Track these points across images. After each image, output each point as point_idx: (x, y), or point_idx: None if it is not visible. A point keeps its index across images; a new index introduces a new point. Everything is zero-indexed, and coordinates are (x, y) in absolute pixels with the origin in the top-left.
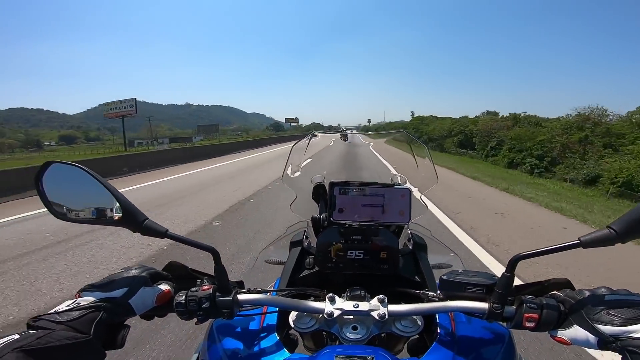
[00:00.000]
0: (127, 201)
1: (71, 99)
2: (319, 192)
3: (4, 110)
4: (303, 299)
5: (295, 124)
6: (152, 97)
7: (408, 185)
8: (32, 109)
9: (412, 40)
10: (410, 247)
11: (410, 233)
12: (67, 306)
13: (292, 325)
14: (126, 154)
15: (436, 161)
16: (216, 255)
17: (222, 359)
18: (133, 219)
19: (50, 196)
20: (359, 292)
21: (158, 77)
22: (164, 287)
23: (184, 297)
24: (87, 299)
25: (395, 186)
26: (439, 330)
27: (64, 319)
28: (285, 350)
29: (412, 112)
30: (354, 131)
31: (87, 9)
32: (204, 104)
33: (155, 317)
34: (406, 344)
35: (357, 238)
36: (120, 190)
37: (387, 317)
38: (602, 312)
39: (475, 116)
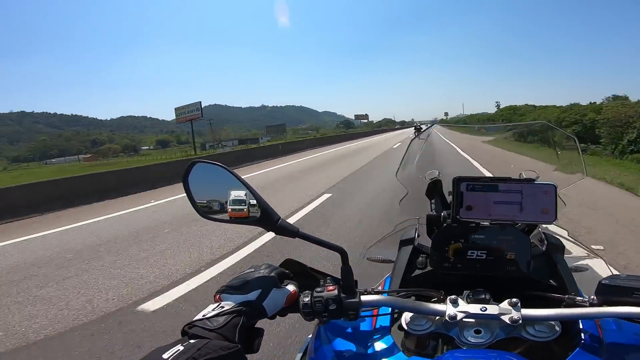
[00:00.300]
0: (264, 200)
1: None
2: (434, 189)
3: (116, 118)
4: (418, 299)
5: (365, 121)
6: (232, 101)
7: (548, 179)
8: (138, 116)
9: (490, 24)
10: (543, 247)
11: (543, 233)
12: (213, 310)
13: (405, 327)
14: (185, 159)
15: (552, 162)
16: (344, 256)
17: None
18: (269, 219)
19: (195, 195)
20: (483, 296)
21: (237, 81)
22: (291, 288)
23: (309, 298)
24: (229, 303)
25: (537, 182)
26: (582, 336)
27: (215, 326)
28: (402, 353)
29: (497, 102)
30: (434, 125)
31: (173, 22)
32: (278, 105)
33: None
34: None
35: (480, 237)
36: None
37: (520, 321)
38: None
39: (591, 102)
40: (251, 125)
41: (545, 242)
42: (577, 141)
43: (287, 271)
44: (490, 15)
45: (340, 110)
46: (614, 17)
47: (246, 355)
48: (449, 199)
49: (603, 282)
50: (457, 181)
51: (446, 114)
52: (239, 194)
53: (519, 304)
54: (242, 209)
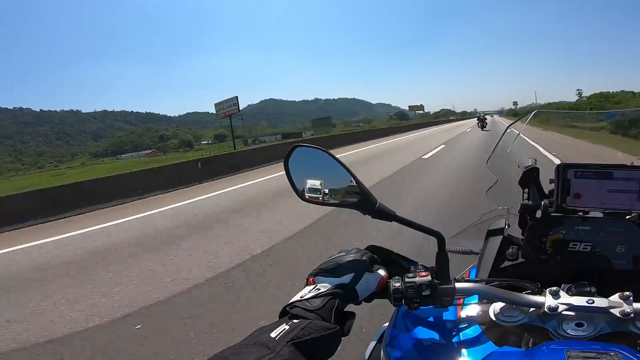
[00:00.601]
0: (363, 184)
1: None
2: (530, 177)
3: (183, 114)
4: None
5: (421, 112)
6: (286, 95)
7: None
8: (202, 112)
9: (560, 4)
10: None
11: None
12: (310, 292)
13: (494, 318)
14: (214, 155)
15: None
16: (441, 240)
17: (414, 348)
18: (367, 202)
19: (295, 178)
20: (587, 289)
21: (292, 76)
22: (382, 272)
23: (400, 283)
24: (325, 285)
25: None
26: None
27: (314, 307)
28: (492, 343)
29: (578, 90)
30: (494, 115)
31: (235, 23)
32: (331, 98)
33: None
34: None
35: (585, 229)
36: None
37: (632, 315)
38: None
39: None
40: (304, 118)
41: None
42: None
43: (375, 256)
44: None
45: (394, 101)
46: None
47: (342, 337)
48: (547, 188)
49: None
50: (564, 167)
51: (515, 103)
52: (314, 182)
53: (632, 298)
54: (318, 197)
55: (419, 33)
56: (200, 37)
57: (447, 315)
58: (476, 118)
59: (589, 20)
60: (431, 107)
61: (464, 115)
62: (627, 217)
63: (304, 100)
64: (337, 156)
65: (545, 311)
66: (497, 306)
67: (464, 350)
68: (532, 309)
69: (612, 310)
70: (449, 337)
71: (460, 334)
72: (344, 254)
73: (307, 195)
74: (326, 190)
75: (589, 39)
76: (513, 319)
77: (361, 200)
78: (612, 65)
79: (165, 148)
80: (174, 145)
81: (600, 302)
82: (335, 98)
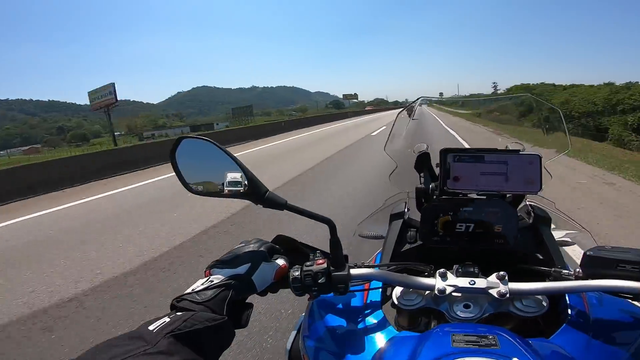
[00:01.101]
0: (252, 174)
1: (154, 88)
2: (423, 162)
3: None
4: (408, 274)
5: (355, 100)
6: (221, 82)
7: (536, 151)
8: (122, 100)
9: (485, 3)
10: (530, 220)
11: (530, 205)
12: (202, 284)
13: (396, 302)
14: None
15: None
16: (332, 227)
17: (327, 336)
18: (257, 192)
19: (182, 170)
20: (471, 269)
21: (228, 63)
22: (280, 262)
23: (299, 272)
24: (218, 277)
25: (522, 152)
26: (569, 311)
27: (202, 299)
28: (392, 327)
29: (494, 83)
30: (423, 104)
31: (159, 3)
32: (269, 86)
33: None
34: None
35: (468, 210)
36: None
37: (507, 295)
38: None
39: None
40: (238, 106)
41: (532, 214)
42: (561, 113)
43: (277, 246)
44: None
45: (333, 90)
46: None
47: (235, 329)
48: (438, 171)
49: (588, 253)
50: (444, 152)
51: (441, 94)
52: (202, 174)
53: (507, 278)
54: (206, 188)
55: (359, 24)
56: (125, 15)
57: (355, 302)
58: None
59: (511, 16)
60: (366, 96)
61: (396, 105)
62: (507, 198)
63: (240, 88)
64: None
65: (435, 293)
66: (399, 291)
67: (367, 336)
68: (427, 292)
69: (490, 291)
70: (355, 322)
71: (365, 319)
72: (243, 244)
73: (195, 187)
74: (214, 181)
75: (511, 34)
76: (412, 303)
77: (250, 189)
78: (535, 59)
79: (56, 142)
80: (68, 139)
81: (480, 282)
82: (274, 86)
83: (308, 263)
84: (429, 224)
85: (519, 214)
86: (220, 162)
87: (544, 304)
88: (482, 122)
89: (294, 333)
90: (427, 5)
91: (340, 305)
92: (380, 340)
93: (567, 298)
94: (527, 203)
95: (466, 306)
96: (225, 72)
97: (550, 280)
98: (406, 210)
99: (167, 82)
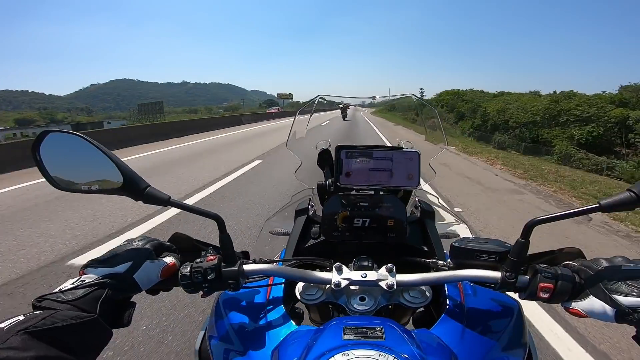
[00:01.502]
0: (129, 168)
1: (62, 80)
2: (324, 159)
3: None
4: (310, 269)
5: (290, 100)
6: (147, 76)
7: (416, 148)
8: (16, 90)
9: (421, 14)
10: (418, 214)
11: (418, 200)
12: (72, 284)
13: (299, 297)
14: None
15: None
16: (221, 223)
17: (228, 334)
18: (135, 187)
19: (48, 166)
20: (366, 262)
21: (156, 56)
22: (168, 259)
23: (188, 268)
24: (91, 276)
25: (404, 150)
26: (447, 302)
27: (69, 298)
28: (292, 322)
29: (421, 89)
30: (358, 107)
31: None
32: (202, 82)
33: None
34: (411, 316)
35: (364, 205)
36: None
37: (395, 287)
38: (620, 283)
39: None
40: (169, 102)
41: (420, 208)
42: (437, 113)
43: (168, 244)
44: (420, 6)
45: (270, 89)
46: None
47: (117, 328)
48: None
49: (453, 244)
50: (338, 149)
51: (374, 97)
52: (99, 162)
53: (394, 270)
54: (77, 185)
55: (300, 24)
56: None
57: (259, 298)
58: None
59: (444, 24)
60: (302, 96)
61: (331, 106)
62: (399, 194)
63: (169, 83)
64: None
65: (332, 287)
66: (301, 286)
67: (269, 332)
68: (327, 286)
69: (380, 283)
70: (257, 319)
71: (267, 315)
72: (126, 243)
73: (63, 183)
74: (87, 177)
75: (441, 44)
76: (313, 297)
77: (127, 185)
78: (463, 67)
79: None
80: None
81: (371, 275)
82: (207, 82)
83: (198, 260)
84: (330, 219)
85: (411, 209)
86: (93, 157)
87: (428, 294)
88: (394, 119)
89: (202, 333)
90: (366, 14)
91: (244, 303)
92: (280, 335)
93: (446, 289)
94: (416, 198)
95: (362, 299)
96: (152, 65)
97: (431, 271)
98: (310, 206)
99: (80, 73)
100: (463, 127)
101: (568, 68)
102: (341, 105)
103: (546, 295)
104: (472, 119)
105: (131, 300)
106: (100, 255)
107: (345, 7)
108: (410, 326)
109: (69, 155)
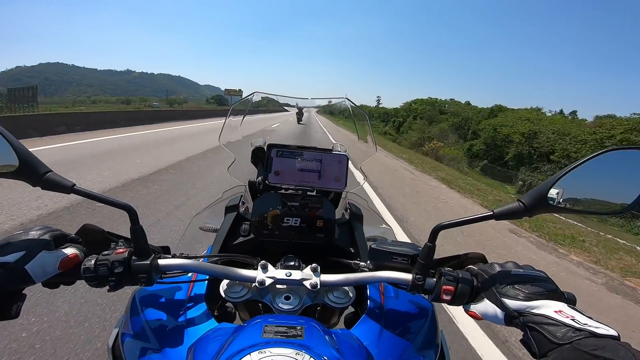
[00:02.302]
0: (26, 150)
1: None
2: (258, 156)
3: None
4: (237, 267)
5: (239, 97)
6: (85, 61)
7: (345, 152)
8: None
9: (377, 26)
10: (347, 217)
11: (348, 203)
12: None
13: (223, 295)
14: None
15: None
16: (133, 214)
17: (145, 331)
18: (32, 171)
19: None
20: (293, 262)
21: (98, 40)
22: (69, 251)
23: (93, 261)
24: None
25: (334, 152)
26: (368, 303)
27: None
28: (214, 319)
29: (378, 97)
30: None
31: None
32: (149, 72)
33: (61, 285)
34: (342, 316)
35: (295, 205)
36: None
37: (319, 286)
38: (509, 287)
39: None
40: (107, 91)
41: (349, 211)
42: (368, 119)
43: (73, 235)
44: (379, 15)
45: (224, 84)
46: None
47: (3, 320)
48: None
49: (372, 246)
50: (269, 147)
51: (330, 101)
52: (3, 152)
53: (319, 270)
54: (9, 170)
55: (263, 21)
56: None
57: (179, 295)
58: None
59: (407, 34)
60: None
61: (279, 107)
62: (330, 196)
63: (110, 70)
64: None
65: (257, 285)
66: (225, 283)
67: (187, 329)
68: (253, 284)
69: (304, 283)
70: (176, 316)
71: (187, 312)
72: (21, 232)
73: None
74: None
75: (392, 58)
76: (238, 295)
77: (23, 168)
78: (425, 78)
79: None
80: None
81: (295, 274)
82: (155, 73)
83: (106, 252)
84: (260, 217)
85: (341, 211)
86: None
87: (351, 294)
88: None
89: (115, 330)
90: (327, 16)
91: (163, 299)
92: (199, 332)
93: (368, 290)
94: (346, 201)
95: (287, 298)
96: (92, 50)
97: (355, 273)
98: (241, 203)
99: (5, 53)
100: (463, 151)
101: (538, 84)
102: (296, 108)
103: (448, 298)
104: (468, 139)
105: (22, 292)
106: None
107: (309, 9)
108: (341, 326)
109: None
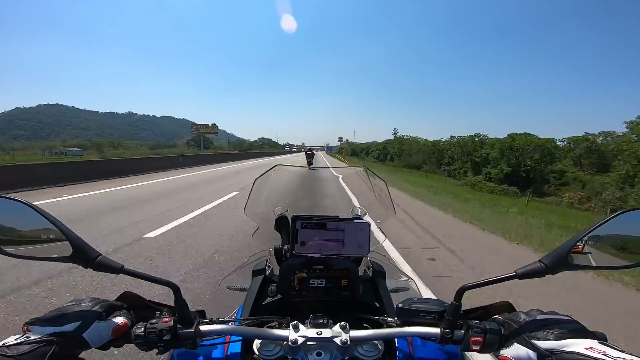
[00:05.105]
0: (77, 237)
1: None
2: (282, 224)
3: None
4: (267, 326)
5: (216, 135)
6: (85, 103)
7: (367, 218)
8: None
9: (388, 57)
10: (370, 274)
11: (370, 260)
12: (16, 340)
13: (257, 353)
14: None
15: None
16: (176, 290)
17: None
18: (85, 256)
19: None
20: (321, 320)
21: (98, 82)
22: (119, 320)
23: (142, 328)
24: (36, 334)
25: (355, 220)
26: (398, 354)
27: (14, 353)
28: None
29: (395, 129)
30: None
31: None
32: (151, 114)
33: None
34: None
35: (319, 267)
36: None
37: (349, 342)
38: (537, 330)
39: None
40: (104, 134)
41: (371, 269)
42: (386, 184)
43: (119, 303)
44: (390, 48)
45: (231, 128)
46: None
47: None
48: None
49: (399, 305)
50: (294, 219)
51: (340, 138)
52: (46, 229)
53: (348, 327)
54: (24, 251)
55: (257, 62)
56: None
57: (216, 354)
58: (304, 152)
59: (407, 71)
60: (251, 135)
61: (290, 149)
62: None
63: (111, 113)
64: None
65: (289, 344)
66: (259, 342)
67: None
68: (285, 342)
69: (335, 339)
70: None
71: None
72: (73, 303)
73: (9, 249)
74: (33, 244)
75: (404, 90)
76: (271, 353)
77: (76, 254)
78: (419, 112)
79: None
80: None
81: (326, 332)
82: (158, 116)
83: (153, 321)
84: (286, 280)
85: (363, 268)
86: (40, 225)
87: (380, 347)
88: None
89: None
90: (336, 52)
91: (201, 358)
92: None
93: (396, 342)
94: (368, 259)
95: (318, 354)
96: (94, 92)
97: (382, 327)
98: (267, 266)
99: (6, 95)
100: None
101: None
102: (307, 151)
103: (477, 348)
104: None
105: (79, 357)
106: (46, 314)
107: (316, 46)
108: None
109: (15, 222)
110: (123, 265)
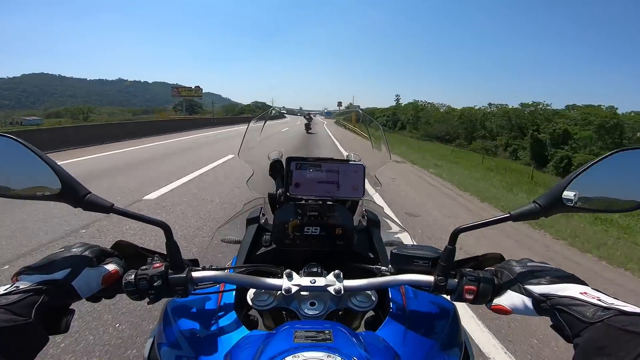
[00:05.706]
0: (67, 174)
1: None
2: (276, 168)
3: None
4: (262, 276)
5: (200, 98)
6: (75, 71)
7: (362, 161)
8: None
9: (387, 21)
10: (365, 223)
11: (365, 210)
12: (5, 290)
13: (250, 303)
14: None
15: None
16: (167, 231)
17: (178, 341)
18: (73, 194)
19: None
20: (315, 269)
21: (87, 49)
22: (110, 267)
23: (133, 276)
24: (25, 283)
25: (350, 162)
26: (391, 305)
27: (2, 303)
28: (245, 327)
29: (397, 95)
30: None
31: None
32: (142, 80)
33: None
34: (364, 320)
35: (314, 215)
36: None
37: (342, 292)
38: (530, 276)
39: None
40: (92, 102)
41: (366, 218)
42: (382, 129)
43: (110, 250)
44: (389, 12)
45: (226, 93)
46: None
47: (54, 335)
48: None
49: (393, 251)
50: (289, 160)
51: (339, 103)
52: (34, 166)
53: (342, 276)
54: (38, 184)
55: (265, 25)
56: None
57: (210, 305)
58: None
59: (407, 37)
60: (244, 98)
61: (278, 115)
62: (347, 204)
63: (100, 80)
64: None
65: (283, 293)
66: (252, 292)
67: (220, 337)
68: (278, 292)
69: (328, 289)
70: (208, 325)
71: (219, 321)
72: (63, 249)
73: (2, 188)
74: (21, 182)
75: (406, 54)
76: (265, 303)
77: (65, 191)
78: (422, 79)
79: None
80: None
81: (320, 281)
82: (150, 82)
83: (144, 267)
84: (281, 228)
85: (358, 218)
86: (28, 161)
87: (373, 298)
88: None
89: (150, 340)
90: (332, 15)
91: (194, 310)
92: (232, 340)
93: (390, 293)
94: (363, 208)
95: (312, 304)
96: (82, 59)
97: (376, 277)
98: (261, 215)
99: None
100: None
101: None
102: (306, 116)
103: (471, 297)
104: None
105: (70, 307)
106: (34, 262)
107: (315, 10)
108: (362, 329)
109: (2, 159)
110: (113, 204)
